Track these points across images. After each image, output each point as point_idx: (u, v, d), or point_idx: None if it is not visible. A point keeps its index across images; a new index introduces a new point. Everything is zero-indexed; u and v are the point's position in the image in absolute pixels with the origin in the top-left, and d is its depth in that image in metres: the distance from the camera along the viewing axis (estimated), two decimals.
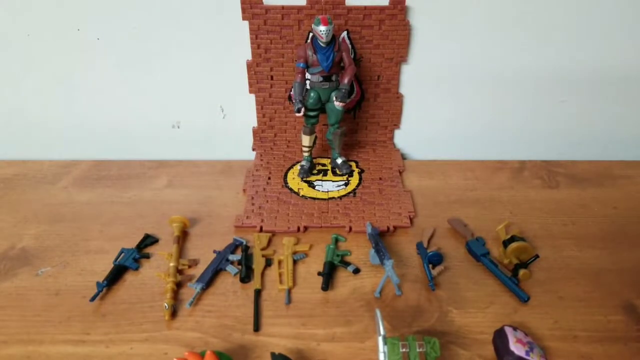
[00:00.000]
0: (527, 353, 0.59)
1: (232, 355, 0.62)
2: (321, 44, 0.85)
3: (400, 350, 0.58)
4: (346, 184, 0.96)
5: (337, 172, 1.00)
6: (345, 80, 0.89)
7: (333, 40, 0.86)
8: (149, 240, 0.82)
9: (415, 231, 0.85)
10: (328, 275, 0.75)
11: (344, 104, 0.91)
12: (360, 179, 0.98)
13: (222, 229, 0.86)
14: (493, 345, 0.63)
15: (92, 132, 1.09)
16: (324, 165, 1.03)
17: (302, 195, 0.93)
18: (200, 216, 0.88)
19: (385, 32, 0.96)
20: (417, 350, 0.58)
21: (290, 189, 0.95)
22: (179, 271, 0.76)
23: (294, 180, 0.97)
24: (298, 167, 1.00)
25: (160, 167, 1.03)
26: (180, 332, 0.67)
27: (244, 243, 0.81)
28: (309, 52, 0.87)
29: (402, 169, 1.02)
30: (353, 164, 1.03)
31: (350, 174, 0.99)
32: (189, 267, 0.77)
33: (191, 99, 1.05)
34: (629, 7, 0.94)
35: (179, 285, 0.74)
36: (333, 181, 0.97)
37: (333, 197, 0.92)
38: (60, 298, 0.72)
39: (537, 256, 0.76)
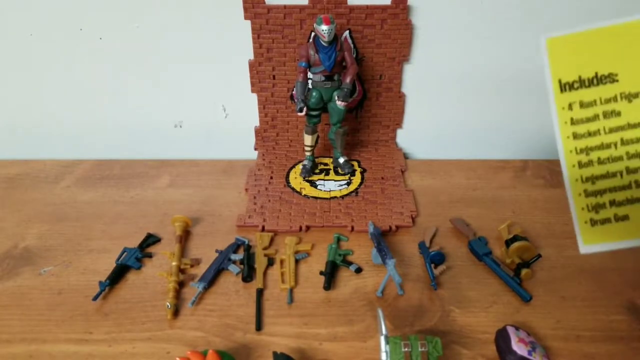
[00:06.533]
0: (530, 353, 0.59)
1: (235, 354, 0.62)
2: (323, 43, 0.85)
3: (402, 349, 0.57)
4: (348, 184, 0.96)
5: (339, 171, 1.00)
6: (347, 80, 0.89)
7: (335, 39, 0.86)
8: (151, 240, 0.83)
9: (417, 231, 0.85)
10: (330, 275, 0.75)
11: (346, 103, 0.91)
12: (362, 178, 0.98)
13: (224, 229, 0.86)
14: (495, 345, 0.63)
15: (94, 131, 1.09)
16: (326, 164, 1.03)
17: (304, 195, 0.93)
18: (202, 215, 0.89)
19: (387, 32, 0.95)
20: (419, 349, 0.58)
21: (293, 189, 0.95)
22: (181, 270, 0.76)
23: (296, 179, 0.97)
24: (300, 166, 1.00)
25: (162, 166, 1.03)
26: (182, 331, 0.67)
27: (246, 242, 0.81)
28: (311, 52, 0.87)
29: (404, 168, 1.02)
30: (355, 163, 1.03)
31: (353, 174, 0.99)
32: (191, 266, 0.78)
33: (193, 99, 1.05)
34: (631, 7, 0.94)
35: (181, 284, 0.74)
36: (335, 180, 0.97)
37: (335, 197, 0.92)
38: (63, 297, 0.72)
39: (539, 256, 0.75)
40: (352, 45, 0.96)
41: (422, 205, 0.91)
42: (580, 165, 0.43)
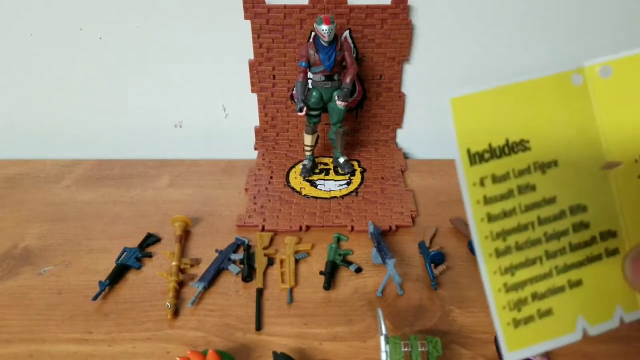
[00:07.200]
0: None
1: (234, 354, 0.62)
2: (323, 43, 0.86)
3: (402, 349, 0.58)
4: (348, 183, 0.96)
5: (339, 171, 1.00)
6: (347, 80, 0.89)
7: (335, 39, 0.86)
8: (151, 240, 0.83)
9: (417, 230, 0.85)
10: (330, 275, 0.75)
11: (346, 103, 0.91)
12: (362, 178, 0.98)
13: (224, 228, 0.86)
14: (495, 345, 0.63)
15: (94, 131, 1.09)
16: (326, 164, 1.03)
17: (304, 195, 0.93)
18: (202, 215, 0.89)
19: (388, 31, 0.95)
20: (419, 349, 0.58)
21: (292, 188, 0.95)
22: (181, 270, 0.76)
23: (296, 179, 0.97)
24: (300, 166, 1.00)
25: (162, 166, 1.03)
26: (182, 331, 0.67)
27: (246, 242, 0.81)
28: (311, 51, 0.87)
29: (404, 168, 1.02)
30: (355, 163, 1.03)
31: (352, 173, 0.99)
32: (191, 266, 0.78)
33: (193, 98, 1.05)
34: (633, 6, 0.94)
35: (181, 284, 0.74)
36: (335, 180, 0.97)
37: (335, 197, 0.92)
38: (62, 297, 0.72)
39: None
40: (352, 45, 0.96)
41: (422, 205, 0.91)
42: (498, 253, 0.34)
